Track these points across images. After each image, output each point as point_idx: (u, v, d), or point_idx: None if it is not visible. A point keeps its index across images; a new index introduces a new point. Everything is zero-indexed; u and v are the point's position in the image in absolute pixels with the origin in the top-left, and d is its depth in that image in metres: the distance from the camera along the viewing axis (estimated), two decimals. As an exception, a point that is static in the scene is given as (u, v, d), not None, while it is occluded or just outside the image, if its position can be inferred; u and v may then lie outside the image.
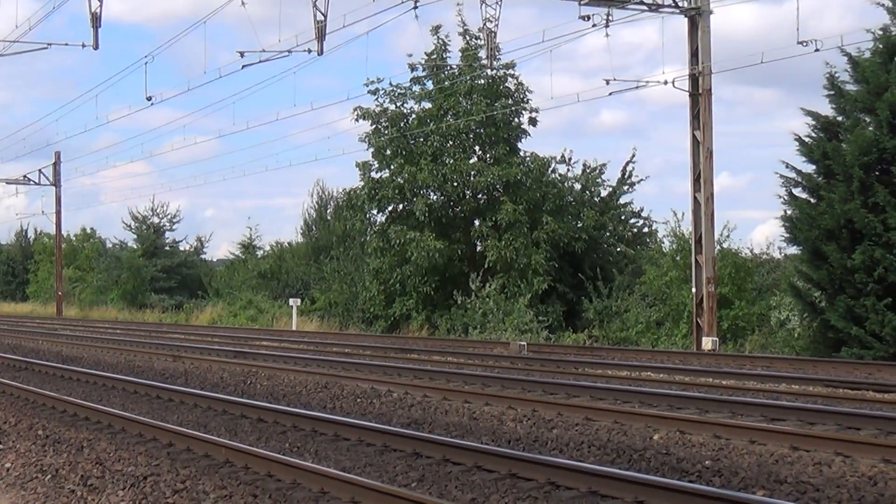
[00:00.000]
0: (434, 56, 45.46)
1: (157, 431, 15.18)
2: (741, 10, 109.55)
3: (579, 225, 42.84)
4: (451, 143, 43.60)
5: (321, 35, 28.62)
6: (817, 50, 26.68)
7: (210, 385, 22.33)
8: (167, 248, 77.33)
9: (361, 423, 15.01)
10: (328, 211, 65.24)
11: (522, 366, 24.31)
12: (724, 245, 34.95)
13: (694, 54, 30.01)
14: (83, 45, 31.05)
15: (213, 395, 19.41)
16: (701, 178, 30.12)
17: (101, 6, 28.59)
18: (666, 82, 30.28)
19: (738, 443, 13.30)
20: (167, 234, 78.12)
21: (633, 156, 45.28)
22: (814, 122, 29.48)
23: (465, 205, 43.29)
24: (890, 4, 28.16)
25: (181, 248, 78.21)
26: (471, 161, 43.24)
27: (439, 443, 13.14)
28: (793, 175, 29.87)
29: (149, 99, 35.42)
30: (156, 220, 76.93)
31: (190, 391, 20.17)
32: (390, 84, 45.76)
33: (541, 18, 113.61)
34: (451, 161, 42.70)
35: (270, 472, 12.05)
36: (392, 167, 44.25)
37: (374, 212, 45.81)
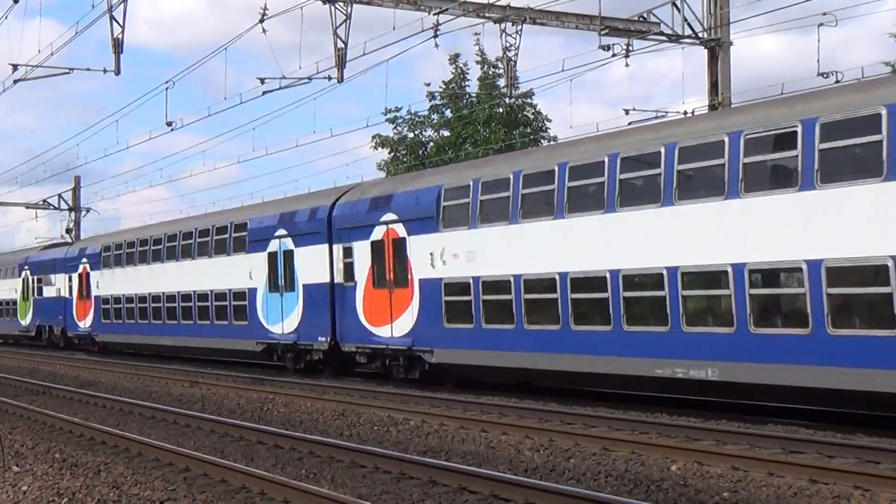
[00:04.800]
0: (452, 84, 45.58)
1: (174, 456, 15.20)
2: (770, 41, 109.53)
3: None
4: (469, 171, 43.61)
5: (341, 62, 28.74)
6: (837, 82, 26.63)
7: (227, 411, 22.33)
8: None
9: (378, 451, 15.00)
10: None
11: (539, 395, 24.23)
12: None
13: (714, 85, 30.00)
14: (105, 71, 31.19)
15: (230, 421, 19.44)
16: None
17: (122, 32, 28.73)
18: (686, 112, 30.24)
19: (756, 475, 13.23)
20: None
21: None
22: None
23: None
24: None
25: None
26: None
27: (456, 471, 13.12)
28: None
29: (169, 124, 35.53)
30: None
31: (207, 417, 20.19)
32: (409, 112, 45.89)
33: (567, 47, 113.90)
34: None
35: (287, 499, 12.04)
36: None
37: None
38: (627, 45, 29.43)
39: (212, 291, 35.36)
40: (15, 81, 34.01)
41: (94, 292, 45.40)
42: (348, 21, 28.33)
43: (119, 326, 43.30)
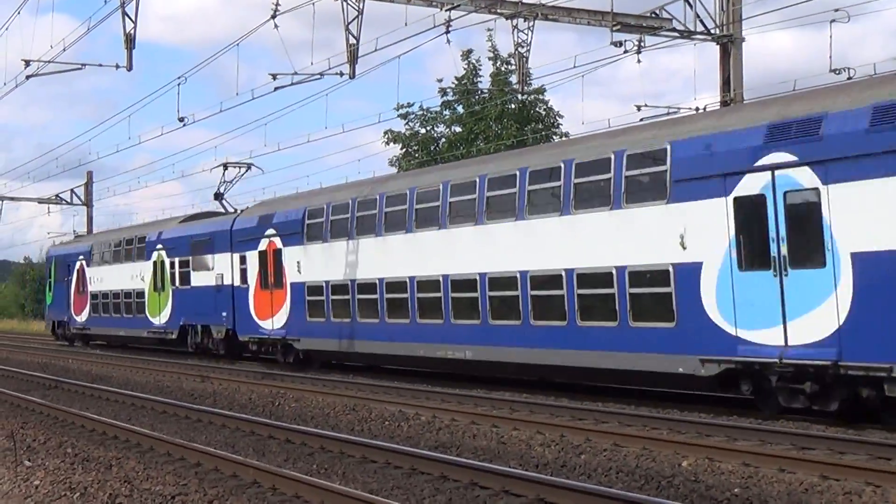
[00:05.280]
0: (465, 81, 45.59)
1: (186, 451, 15.23)
2: (782, 38, 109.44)
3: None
4: (481, 167, 43.58)
5: (353, 58, 28.73)
6: (850, 78, 26.56)
7: (238, 406, 22.37)
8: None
9: (389, 446, 15.01)
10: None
11: (550, 390, 24.21)
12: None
13: (726, 81, 29.93)
14: (117, 67, 31.26)
15: (241, 415, 19.47)
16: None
17: (135, 28, 28.80)
18: (697, 109, 30.19)
19: (767, 471, 13.21)
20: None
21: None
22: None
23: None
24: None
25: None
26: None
27: (467, 466, 13.12)
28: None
29: (181, 120, 35.54)
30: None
31: (218, 412, 20.23)
32: (421, 108, 45.91)
33: (579, 43, 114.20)
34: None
35: (298, 493, 12.06)
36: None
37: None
38: (639, 41, 29.39)
39: (570, 271, 21.68)
40: (27, 77, 34.16)
41: (292, 278, 31.81)
42: (360, 17, 28.31)
43: (339, 328, 29.67)
